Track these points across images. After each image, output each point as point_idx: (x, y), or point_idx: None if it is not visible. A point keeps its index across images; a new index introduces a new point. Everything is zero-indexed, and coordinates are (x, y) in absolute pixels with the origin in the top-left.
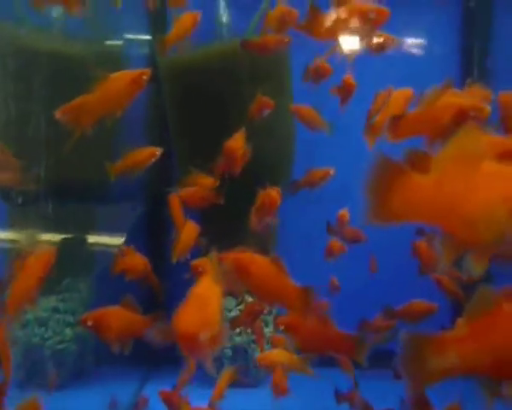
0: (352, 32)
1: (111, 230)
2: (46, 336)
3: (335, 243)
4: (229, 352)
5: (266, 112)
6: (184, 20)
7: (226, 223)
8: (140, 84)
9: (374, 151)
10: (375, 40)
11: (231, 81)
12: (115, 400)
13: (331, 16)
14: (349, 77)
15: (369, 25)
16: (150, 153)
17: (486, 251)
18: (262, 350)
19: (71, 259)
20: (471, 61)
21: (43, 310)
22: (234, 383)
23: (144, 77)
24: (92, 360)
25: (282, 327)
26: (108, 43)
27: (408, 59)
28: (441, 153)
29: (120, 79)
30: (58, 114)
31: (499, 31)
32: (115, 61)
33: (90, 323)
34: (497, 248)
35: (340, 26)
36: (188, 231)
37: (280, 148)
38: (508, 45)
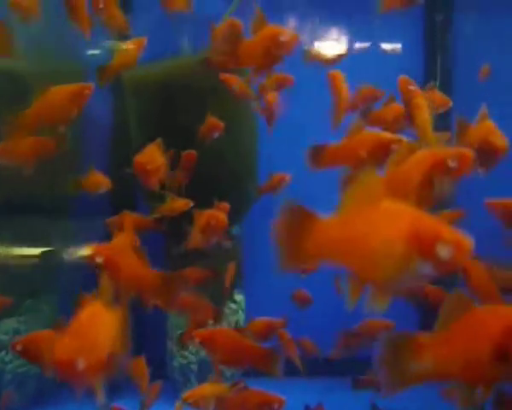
0: (266, 59)
1: (77, 244)
2: (7, 359)
3: None
4: (195, 367)
5: (216, 134)
6: (128, 49)
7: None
8: (81, 98)
9: (281, 200)
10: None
11: (194, 95)
12: None
13: (247, 43)
14: (272, 96)
15: (280, 49)
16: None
17: (387, 289)
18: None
19: (33, 276)
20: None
21: (3, 333)
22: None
23: (86, 91)
24: (53, 382)
25: (198, 340)
26: (69, 58)
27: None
28: (345, 194)
29: (60, 92)
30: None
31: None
32: (75, 77)
33: (18, 348)
34: (398, 286)
35: (258, 53)
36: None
37: (243, 161)
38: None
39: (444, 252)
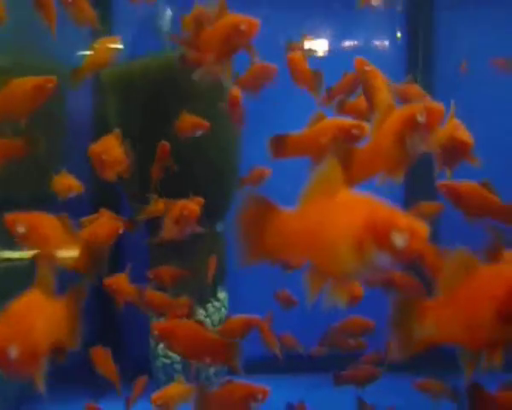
0: (230, 46)
1: None
2: None
3: None
4: (179, 366)
5: (199, 133)
6: (100, 48)
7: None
8: (44, 91)
9: (243, 192)
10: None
11: (173, 92)
12: None
13: (211, 31)
14: (236, 91)
15: (240, 37)
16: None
17: (345, 280)
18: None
19: None
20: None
21: None
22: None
23: (49, 85)
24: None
25: (156, 333)
26: (45, 55)
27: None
28: (305, 186)
29: (22, 85)
30: None
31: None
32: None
33: None
34: (357, 277)
35: (218, 42)
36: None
37: (225, 158)
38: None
39: (398, 240)
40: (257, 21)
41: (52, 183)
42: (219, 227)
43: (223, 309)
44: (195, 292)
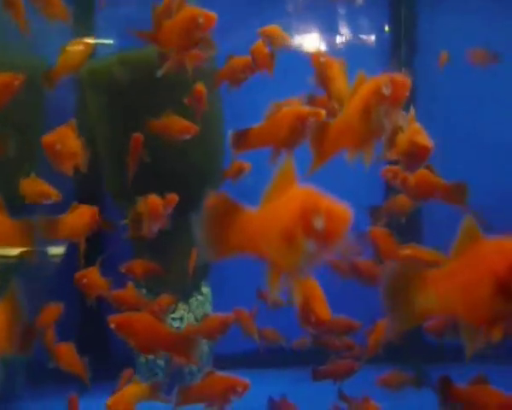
0: (189, 39)
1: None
2: None
3: None
4: (161, 362)
5: (187, 136)
6: (73, 50)
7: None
8: (10, 89)
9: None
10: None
11: (157, 87)
12: None
13: (170, 24)
14: (200, 86)
15: (199, 30)
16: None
17: (296, 273)
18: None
19: None
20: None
21: None
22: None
23: (16, 82)
24: (22, 382)
25: (112, 326)
26: (30, 53)
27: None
28: (268, 184)
29: None
30: None
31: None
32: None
33: None
34: (302, 268)
35: (177, 35)
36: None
37: (210, 159)
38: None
39: (318, 224)
40: (214, 15)
41: (21, 186)
42: None
43: (207, 304)
44: (178, 287)
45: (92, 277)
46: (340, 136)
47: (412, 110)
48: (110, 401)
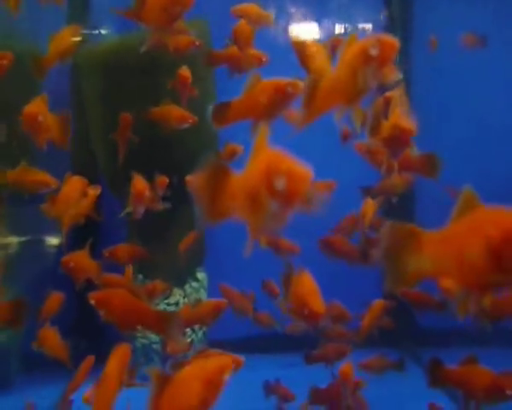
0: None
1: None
2: None
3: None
4: (157, 346)
5: (185, 125)
6: (62, 37)
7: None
8: None
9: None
10: None
11: (153, 72)
12: (32, 405)
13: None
14: (184, 71)
15: (176, 6)
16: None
17: (267, 231)
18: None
19: None
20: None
21: None
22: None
23: (3, 61)
24: (16, 366)
25: (92, 302)
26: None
27: None
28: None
29: None
30: None
31: None
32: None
33: None
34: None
35: (157, 12)
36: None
37: (204, 146)
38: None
39: (278, 184)
40: None
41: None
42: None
43: (202, 290)
44: (173, 273)
45: (81, 260)
46: (330, 94)
47: (395, 96)
48: (86, 394)
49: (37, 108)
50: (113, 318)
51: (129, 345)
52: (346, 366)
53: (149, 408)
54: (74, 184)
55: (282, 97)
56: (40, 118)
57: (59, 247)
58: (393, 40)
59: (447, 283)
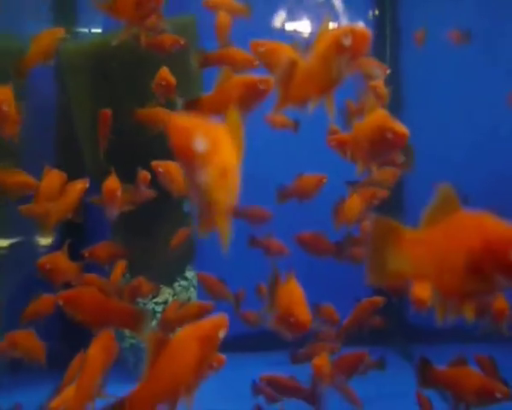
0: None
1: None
2: None
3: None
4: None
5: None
6: (42, 39)
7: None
8: None
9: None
10: None
11: (139, 68)
12: (19, 406)
13: None
14: (164, 71)
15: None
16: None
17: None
18: None
19: None
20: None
21: None
22: None
23: None
24: (3, 367)
25: (60, 302)
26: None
27: None
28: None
29: None
30: None
31: None
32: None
33: None
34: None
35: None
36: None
37: None
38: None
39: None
40: None
41: None
42: (186, 207)
43: (191, 288)
44: (161, 272)
45: (58, 262)
46: (303, 83)
47: (371, 96)
48: (54, 403)
49: (2, 95)
50: (83, 317)
51: (112, 331)
52: (320, 358)
53: (147, 371)
54: (53, 178)
55: (252, 93)
56: (5, 108)
57: (49, 247)
58: (366, 30)
59: (420, 292)
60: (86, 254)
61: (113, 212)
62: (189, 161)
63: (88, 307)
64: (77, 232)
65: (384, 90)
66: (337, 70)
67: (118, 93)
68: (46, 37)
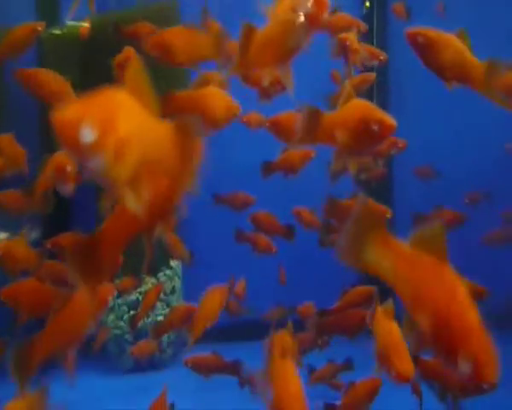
0: None
1: None
2: None
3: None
4: (130, 337)
5: None
6: (17, 32)
7: None
8: None
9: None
10: None
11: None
12: None
13: None
14: (127, 50)
15: None
16: None
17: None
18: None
19: None
20: None
21: None
22: None
23: None
24: None
25: (1, 298)
26: None
27: None
28: None
29: None
30: None
31: None
32: None
33: None
34: None
35: None
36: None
37: None
38: None
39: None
40: None
41: None
42: None
43: (176, 278)
44: (143, 262)
45: (15, 250)
46: (261, 50)
47: (349, 87)
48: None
49: None
50: (25, 310)
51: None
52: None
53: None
54: None
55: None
56: None
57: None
58: None
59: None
60: (49, 245)
61: (67, 188)
62: (80, 154)
63: (28, 300)
64: (62, 225)
65: (357, 44)
66: (294, 38)
67: (102, 80)
68: (21, 30)
